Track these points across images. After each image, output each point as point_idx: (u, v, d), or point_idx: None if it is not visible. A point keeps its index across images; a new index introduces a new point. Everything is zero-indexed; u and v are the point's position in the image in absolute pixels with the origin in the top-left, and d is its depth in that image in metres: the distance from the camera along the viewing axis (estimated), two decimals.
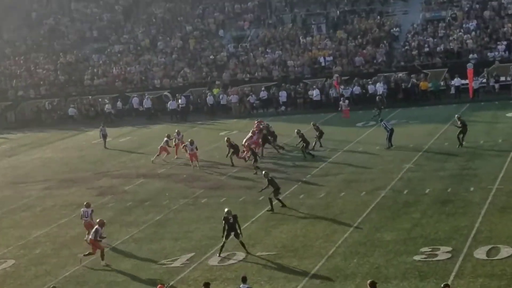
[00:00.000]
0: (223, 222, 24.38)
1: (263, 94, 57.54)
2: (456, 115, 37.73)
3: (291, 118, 51.63)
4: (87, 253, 25.13)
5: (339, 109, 49.38)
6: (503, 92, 52.39)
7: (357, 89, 54.71)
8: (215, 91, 59.57)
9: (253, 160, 35.84)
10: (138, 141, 50.04)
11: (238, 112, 57.07)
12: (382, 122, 39.08)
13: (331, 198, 29.88)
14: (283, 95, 56.45)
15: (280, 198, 29.21)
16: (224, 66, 63.36)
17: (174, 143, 41.53)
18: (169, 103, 58.83)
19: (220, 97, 58.34)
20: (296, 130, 38.71)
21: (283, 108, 56.55)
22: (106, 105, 60.66)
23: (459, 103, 50.69)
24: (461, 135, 36.12)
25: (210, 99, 58.10)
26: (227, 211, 24.60)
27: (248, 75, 61.12)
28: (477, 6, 61.34)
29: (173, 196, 33.28)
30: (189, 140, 39.24)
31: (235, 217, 24.42)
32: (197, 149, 38.56)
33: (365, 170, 34.31)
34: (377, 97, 47.91)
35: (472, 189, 28.81)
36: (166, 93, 61.40)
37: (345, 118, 48.66)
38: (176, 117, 57.81)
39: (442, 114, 47.21)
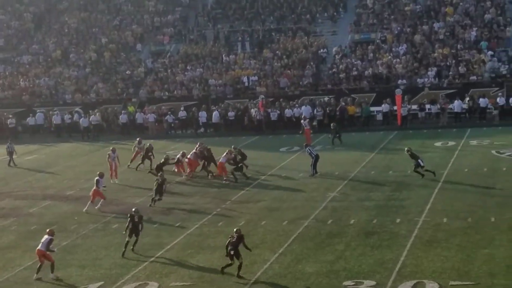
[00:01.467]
0: (128, 219, 27.18)
1: (182, 114, 57.44)
2: (405, 148, 37.53)
3: (211, 140, 51.70)
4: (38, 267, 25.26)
5: (300, 131, 49.12)
6: (431, 120, 53.75)
7: (289, 112, 55.21)
8: (130, 108, 59.31)
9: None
10: (45, 159, 49.36)
11: (155, 132, 56.88)
12: (307, 148, 39.47)
13: (251, 227, 29.94)
14: (203, 116, 56.46)
15: (132, 246, 27.65)
16: (141, 83, 63.19)
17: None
18: (80, 120, 58.21)
19: (136, 116, 58.05)
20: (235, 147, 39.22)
21: (202, 129, 56.62)
22: (9, 120, 59.62)
23: (387, 130, 51.69)
24: (418, 168, 36.14)
25: (124, 117, 57.76)
26: (135, 210, 27.59)
27: (166, 93, 61.05)
28: (408, 29, 62.81)
29: (82, 220, 32.85)
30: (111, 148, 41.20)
31: (140, 217, 27.33)
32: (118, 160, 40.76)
33: (288, 198, 34.54)
34: (331, 125, 47.70)
35: (398, 220, 29.29)
36: (77, 109, 60.77)
37: (306, 140, 46.82)
38: (88, 135, 57.32)
39: (369, 141, 48.05)
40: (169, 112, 57.57)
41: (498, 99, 52.83)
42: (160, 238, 28.88)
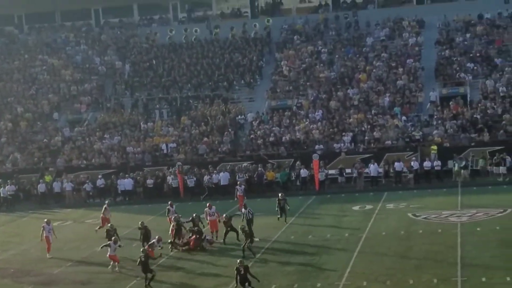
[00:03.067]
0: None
1: (101, 182, 56.99)
2: (240, 226, 36.81)
3: (130, 208, 51.43)
4: None
5: (235, 198, 49.00)
6: (348, 185, 54.49)
7: (207, 179, 55.24)
8: (47, 178, 58.57)
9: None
10: None
11: (72, 201, 56.27)
12: (248, 209, 39.38)
13: None
14: (121, 184, 56.11)
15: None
16: (59, 151, 62.54)
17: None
18: None
19: (54, 185, 57.35)
20: (140, 223, 38.50)
21: (121, 197, 56.25)
22: None
23: (306, 195, 52.17)
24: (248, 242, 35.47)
25: (42, 187, 57.01)
26: (142, 250, 31.53)
27: (84, 162, 60.56)
28: (323, 96, 64.03)
29: None
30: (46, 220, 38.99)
31: (146, 256, 30.87)
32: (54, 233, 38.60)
33: (207, 265, 34.47)
34: (279, 194, 43.98)
35: (319, 285, 29.52)
36: None
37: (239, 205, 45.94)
38: (4, 205, 56.29)
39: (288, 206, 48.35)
40: (87, 181, 57.03)
41: (412, 163, 53.96)
42: None
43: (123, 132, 63.85)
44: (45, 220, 39.33)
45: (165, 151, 60.53)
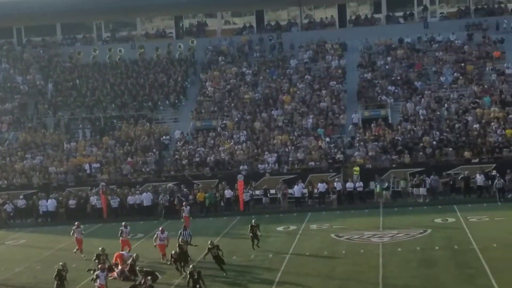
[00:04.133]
0: None
1: (22, 203, 55.99)
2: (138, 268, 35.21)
3: (53, 229, 50.72)
4: None
5: (181, 218, 47.97)
6: (272, 205, 54.71)
7: (131, 199, 54.89)
8: None
9: None
10: None
11: None
12: (189, 231, 39.37)
13: None
14: (43, 205, 55.24)
15: None
16: None
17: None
18: None
19: None
20: (100, 249, 37.33)
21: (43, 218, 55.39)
22: None
23: (230, 215, 52.22)
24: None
25: None
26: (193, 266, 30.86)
27: (5, 181, 59.52)
28: (248, 117, 64.37)
29: None
30: None
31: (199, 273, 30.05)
32: None
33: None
34: (253, 221, 41.83)
35: None
36: None
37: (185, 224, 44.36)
38: None
39: (212, 227, 48.37)
40: (7, 201, 56.01)
41: (335, 184, 54.51)
42: None
43: (45, 152, 63.03)
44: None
45: (88, 171, 59.93)
